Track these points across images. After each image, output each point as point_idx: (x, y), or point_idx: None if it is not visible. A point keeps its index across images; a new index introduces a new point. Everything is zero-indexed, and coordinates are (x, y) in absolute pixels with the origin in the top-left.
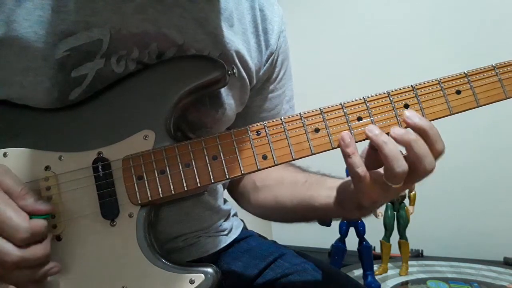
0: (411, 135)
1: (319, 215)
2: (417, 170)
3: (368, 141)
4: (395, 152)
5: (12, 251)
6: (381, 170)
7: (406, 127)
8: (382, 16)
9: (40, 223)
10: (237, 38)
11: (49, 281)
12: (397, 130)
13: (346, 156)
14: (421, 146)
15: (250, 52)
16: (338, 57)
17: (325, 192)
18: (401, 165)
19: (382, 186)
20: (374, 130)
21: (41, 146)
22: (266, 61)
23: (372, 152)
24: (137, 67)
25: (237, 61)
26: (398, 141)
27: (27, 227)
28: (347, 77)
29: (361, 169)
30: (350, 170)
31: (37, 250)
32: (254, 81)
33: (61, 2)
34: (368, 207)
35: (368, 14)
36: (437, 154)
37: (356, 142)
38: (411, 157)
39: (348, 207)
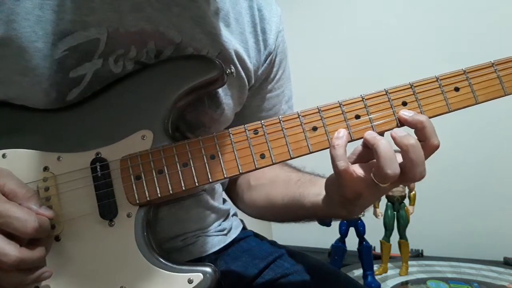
0: (411, 139)
1: (309, 213)
2: (407, 175)
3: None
4: (390, 153)
5: (12, 251)
6: (367, 164)
7: (402, 125)
8: (381, 16)
9: (45, 219)
10: (234, 38)
11: (48, 282)
12: (398, 132)
13: (331, 147)
14: (418, 153)
15: (248, 51)
16: (336, 57)
17: (315, 190)
18: (394, 168)
19: (367, 182)
20: (371, 132)
21: (39, 147)
22: (265, 61)
23: (364, 150)
24: (135, 67)
25: (235, 60)
26: (397, 142)
27: (35, 219)
28: (345, 77)
29: (342, 163)
30: (332, 162)
31: (36, 252)
32: (253, 81)
33: (59, 1)
34: (353, 201)
35: (367, 14)
36: (432, 149)
37: (354, 140)
38: (405, 161)
39: (334, 201)
